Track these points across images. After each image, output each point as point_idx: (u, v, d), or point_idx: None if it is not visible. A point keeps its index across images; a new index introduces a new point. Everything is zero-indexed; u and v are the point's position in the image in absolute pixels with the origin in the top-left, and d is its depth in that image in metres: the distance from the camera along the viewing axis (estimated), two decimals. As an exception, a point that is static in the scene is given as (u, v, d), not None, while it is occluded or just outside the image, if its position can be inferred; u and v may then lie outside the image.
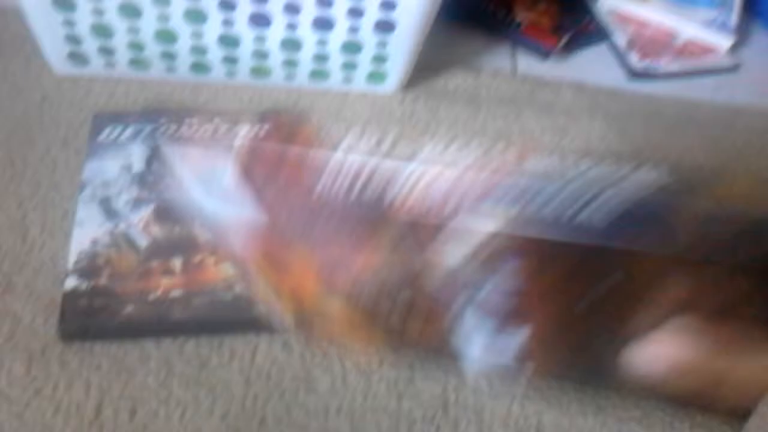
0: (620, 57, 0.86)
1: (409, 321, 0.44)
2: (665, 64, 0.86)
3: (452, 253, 0.33)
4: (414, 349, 0.50)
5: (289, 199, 0.37)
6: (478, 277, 0.36)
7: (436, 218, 0.31)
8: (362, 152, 0.33)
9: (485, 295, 0.38)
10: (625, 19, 0.91)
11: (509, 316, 0.39)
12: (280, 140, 0.35)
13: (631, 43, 0.87)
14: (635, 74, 0.84)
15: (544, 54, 0.83)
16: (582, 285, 0.33)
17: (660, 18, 0.91)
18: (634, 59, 0.85)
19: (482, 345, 0.44)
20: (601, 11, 0.90)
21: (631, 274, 0.31)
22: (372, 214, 0.33)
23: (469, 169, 0.31)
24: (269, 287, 0.48)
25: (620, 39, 0.87)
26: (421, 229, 0.32)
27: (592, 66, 0.85)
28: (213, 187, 0.39)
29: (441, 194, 0.31)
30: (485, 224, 0.31)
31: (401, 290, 0.41)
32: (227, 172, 0.37)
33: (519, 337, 0.41)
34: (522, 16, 0.86)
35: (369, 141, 0.33)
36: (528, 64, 0.83)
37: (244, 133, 0.37)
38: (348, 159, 0.33)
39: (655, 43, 0.88)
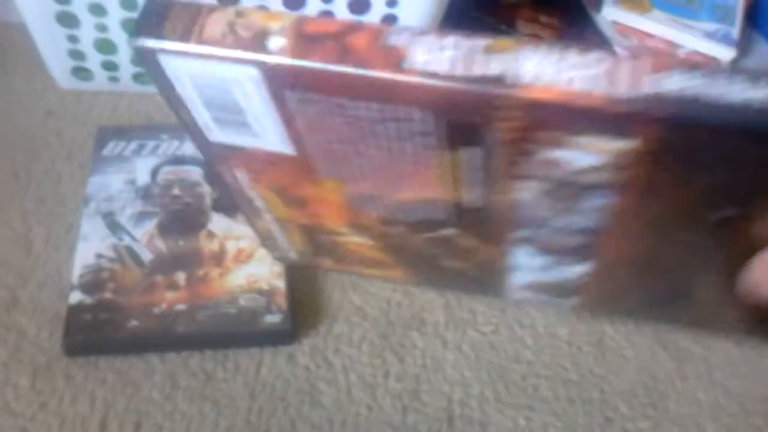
0: (622, 69, 0.86)
1: (445, 259, 0.42)
2: (667, 75, 0.86)
3: (581, 156, 0.28)
4: (440, 282, 0.48)
5: (331, 126, 0.31)
6: (550, 211, 0.33)
7: (590, 100, 0.25)
8: (443, 71, 0.26)
9: (550, 232, 0.35)
10: (626, 31, 0.91)
11: (572, 253, 0.37)
12: (327, 57, 0.28)
13: (633, 56, 0.87)
14: (637, 86, 0.84)
15: (547, 66, 0.83)
16: (690, 218, 0.30)
17: (662, 30, 0.91)
18: (637, 71, 0.85)
19: (530, 278, 0.43)
20: (602, 23, 0.91)
21: (748, 208, 0.28)
22: (482, 98, 0.26)
23: (612, 65, 0.26)
24: (276, 223, 0.46)
25: (622, 51, 0.88)
26: (556, 116, 0.26)
27: (594, 78, 0.85)
28: (226, 110, 0.32)
29: (588, 79, 0.25)
30: (650, 107, 0.25)
31: (444, 226, 0.38)
32: (249, 92, 0.30)
33: (576, 271, 0.39)
34: (524, 29, 0.86)
35: (451, 55, 0.26)
36: (530, 76, 0.83)
37: (277, 45, 0.28)
38: (430, 68, 0.26)
39: (658, 55, 0.89)
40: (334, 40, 0.27)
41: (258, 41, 0.28)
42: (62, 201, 0.63)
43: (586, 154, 0.28)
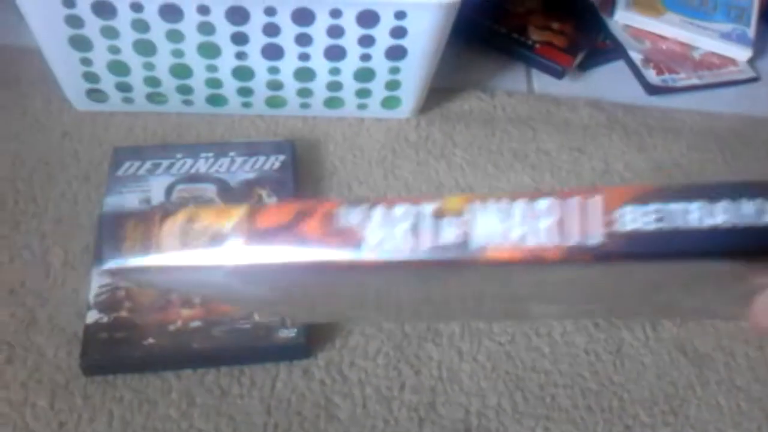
0: (637, 72, 0.85)
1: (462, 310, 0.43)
2: (683, 77, 0.85)
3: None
4: (466, 318, 0.49)
5: (308, 281, 0.32)
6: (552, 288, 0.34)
7: (545, 253, 0.26)
8: (397, 248, 0.27)
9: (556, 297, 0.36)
10: (640, 35, 0.90)
11: (576, 302, 0.39)
12: (282, 253, 0.28)
13: (648, 58, 0.87)
14: (653, 89, 0.83)
15: (560, 73, 0.83)
16: (680, 283, 0.31)
17: (676, 32, 0.90)
18: (652, 74, 0.85)
19: (548, 313, 0.44)
20: (615, 28, 0.90)
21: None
22: (451, 263, 0.27)
23: (561, 212, 0.26)
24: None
25: (636, 54, 0.87)
26: (518, 267, 0.27)
27: (608, 83, 0.85)
28: (203, 287, 0.34)
29: (541, 233, 0.26)
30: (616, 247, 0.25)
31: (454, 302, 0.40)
32: (220, 280, 0.32)
33: (585, 308, 0.41)
34: (536, 36, 0.86)
35: (403, 229, 0.27)
36: (544, 84, 0.83)
37: (232, 247, 0.29)
38: (385, 247, 0.27)
39: (673, 57, 0.88)
40: (287, 230, 0.28)
41: (214, 247, 0.29)
42: (79, 221, 0.63)
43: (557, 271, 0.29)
